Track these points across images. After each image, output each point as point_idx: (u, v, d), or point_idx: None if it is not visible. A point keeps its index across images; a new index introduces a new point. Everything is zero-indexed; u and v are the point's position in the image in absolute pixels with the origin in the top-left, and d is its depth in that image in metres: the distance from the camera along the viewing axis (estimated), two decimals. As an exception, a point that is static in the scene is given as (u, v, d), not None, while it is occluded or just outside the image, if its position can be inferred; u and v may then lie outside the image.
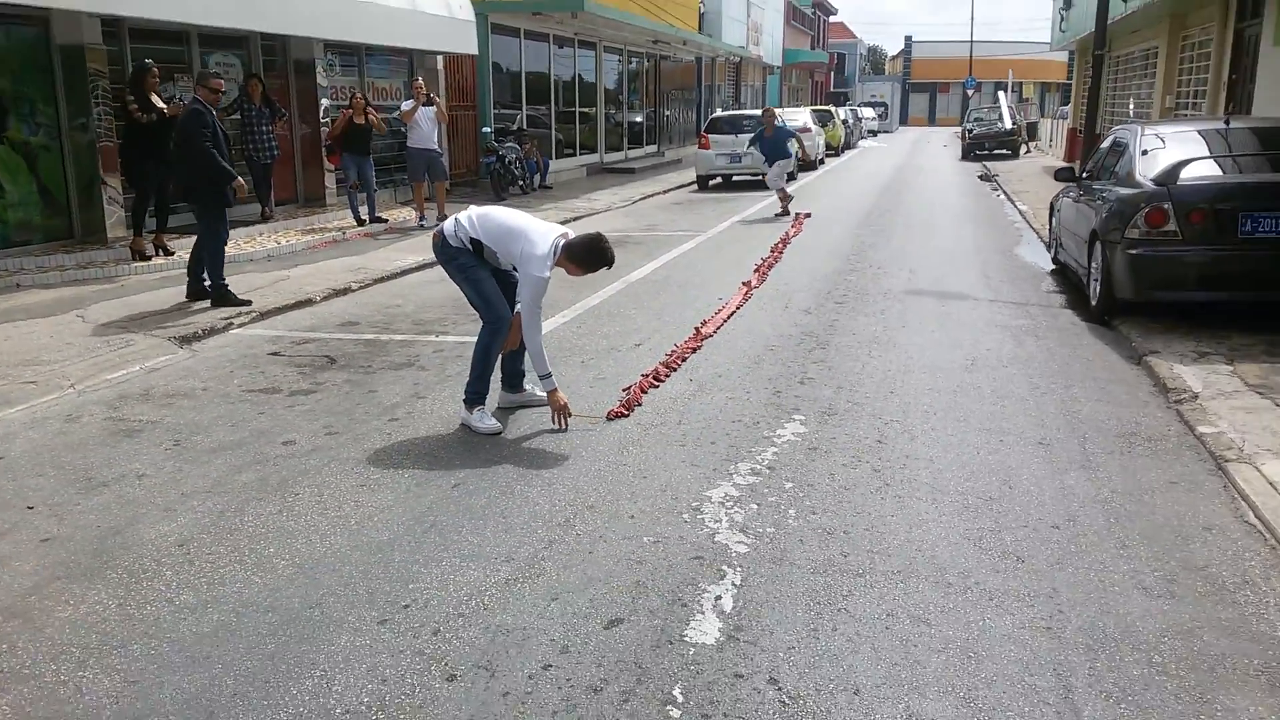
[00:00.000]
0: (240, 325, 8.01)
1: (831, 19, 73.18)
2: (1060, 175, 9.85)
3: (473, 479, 4.63)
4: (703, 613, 3.38)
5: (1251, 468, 4.66)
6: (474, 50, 17.27)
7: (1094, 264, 8.01)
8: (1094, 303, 7.98)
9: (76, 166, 10.57)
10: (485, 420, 5.31)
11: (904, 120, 76.64)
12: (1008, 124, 31.68)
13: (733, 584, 3.58)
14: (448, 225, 5.40)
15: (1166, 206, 7.11)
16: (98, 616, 3.42)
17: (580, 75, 24.29)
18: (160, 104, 10.05)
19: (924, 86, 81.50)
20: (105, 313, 8.16)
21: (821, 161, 28.63)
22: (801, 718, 2.80)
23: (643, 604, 3.44)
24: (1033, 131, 37.29)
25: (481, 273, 5.35)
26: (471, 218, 5.34)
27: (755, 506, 4.27)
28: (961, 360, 6.71)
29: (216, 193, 8.35)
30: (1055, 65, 56.62)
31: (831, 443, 5.08)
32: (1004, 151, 30.87)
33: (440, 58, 17.33)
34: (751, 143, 16.72)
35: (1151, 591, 3.54)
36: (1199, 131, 8.09)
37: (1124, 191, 7.66)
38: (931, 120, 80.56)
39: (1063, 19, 24.77)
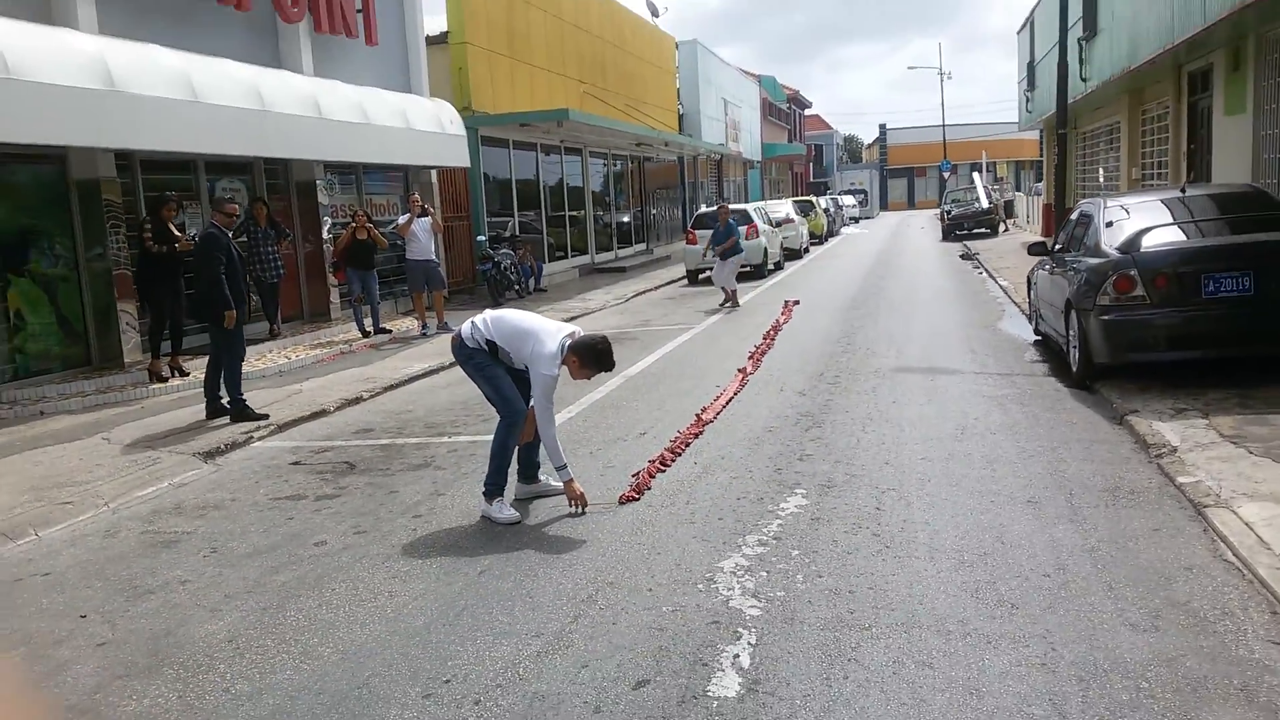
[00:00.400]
0: (260, 438, 8.34)
1: (806, 112, 75.40)
2: (1033, 250, 10.34)
3: (498, 564, 4.92)
4: (722, 670, 3.65)
5: (1229, 511, 4.96)
6: (466, 163, 18.00)
7: (1071, 332, 8.41)
8: (1074, 369, 8.35)
9: (93, 295, 11.03)
10: (505, 511, 5.61)
11: (884, 205, 78.34)
12: (984, 203, 32.62)
13: (749, 644, 3.85)
14: (465, 328, 5.80)
15: (1133, 273, 7.54)
16: (160, 709, 3.67)
17: (568, 180, 25.15)
18: (176, 233, 10.58)
19: (901, 171, 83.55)
20: (129, 434, 8.48)
21: (806, 250, 29.40)
22: (820, 756, 3.06)
23: (666, 665, 3.71)
24: (1010, 209, 38.31)
25: (497, 370, 5.72)
26: (486, 320, 5.74)
27: (765, 574, 4.55)
28: (951, 430, 7.04)
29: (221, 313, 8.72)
30: (1028, 143, 58.25)
31: (832, 512, 5.38)
32: (983, 230, 31.72)
33: (434, 171, 18.04)
34: (711, 240, 17.12)
35: (1138, 627, 3.81)
36: (1159, 201, 8.59)
37: (1093, 261, 8.11)
38: (911, 204, 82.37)
39: (1028, 99, 25.79)
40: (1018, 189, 56.31)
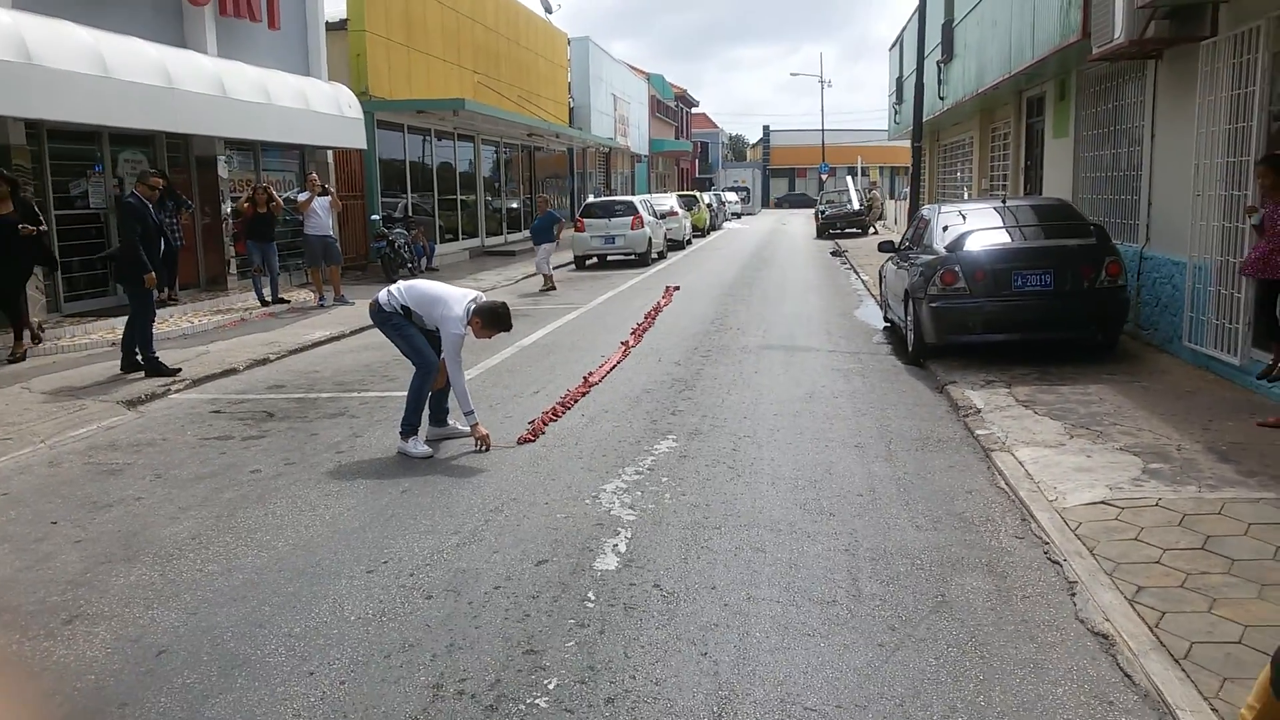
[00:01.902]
0: (177, 391, 8.97)
1: (694, 110, 77.14)
2: (882, 247, 11.72)
3: (416, 485, 5.84)
4: (605, 553, 4.68)
5: (1008, 453, 6.26)
6: (362, 145, 18.57)
7: (908, 317, 9.75)
8: (910, 348, 9.70)
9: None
10: (419, 447, 6.52)
11: (765, 203, 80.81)
12: (855, 205, 34.61)
13: (625, 537, 4.90)
14: (381, 296, 6.69)
15: (956, 268, 8.90)
16: (146, 583, 4.49)
17: (460, 165, 25.78)
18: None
19: (783, 172, 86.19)
20: (48, 384, 8.99)
21: (689, 242, 30.73)
22: (675, 602, 4.12)
23: (561, 551, 4.72)
24: (881, 211, 40.55)
25: (411, 330, 6.62)
26: (400, 289, 6.65)
27: (640, 493, 5.61)
28: (801, 394, 8.25)
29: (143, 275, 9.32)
30: (903, 150, 60.89)
31: (697, 452, 6.48)
32: (854, 230, 33.66)
33: (330, 151, 18.53)
34: (532, 230, 18.72)
35: (922, 528, 5.01)
36: (984, 209, 10.02)
37: (927, 258, 9.46)
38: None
39: (896, 112, 27.62)
40: (891, 193, 59.22)
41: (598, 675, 3.53)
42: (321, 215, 14.94)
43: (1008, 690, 3.39)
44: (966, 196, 21.38)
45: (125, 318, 9.68)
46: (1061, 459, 6.02)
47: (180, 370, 9.46)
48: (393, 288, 6.72)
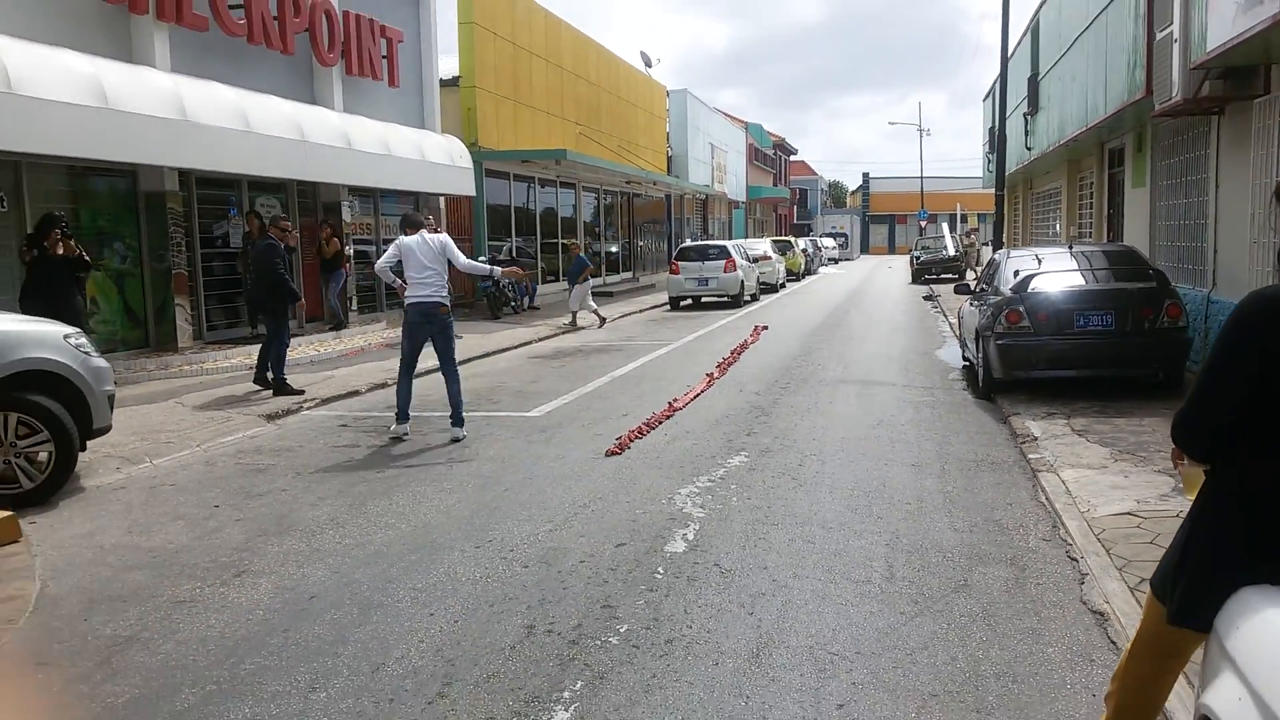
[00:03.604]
0: (309, 409, 10.10)
1: (793, 158, 78.04)
2: (959, 289, 12.28)
3: (517, 486, 6.71)
4: (675, 540, 5.46)
5: (1053, 474, 6.82)
6: (472, 192, 19.93)
7: (979, 354, 10.30)
8: (980, 383, 10.24)
9: (154, 289, 12.77)
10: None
11: (865, 249, 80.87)
12: (950, 251, 34.81)
13: (694, 529, 5.66)
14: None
15: (1021, 309, 9.46)
16: (296, 550, 5.44)
17: (562, 211, 27.08)
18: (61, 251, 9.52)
19: (883, 218, 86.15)
20: (197, 400, 10.22)
21: (783, 285, 31.43)
22: (731, 577, 4.87)
23: (637, 536, 5.52)
24: (979, 257, 40.54)
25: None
26: None
27: (710, 497, 6.37)
28: (870, 422, 8.89)
29: (283, 306, 10.57)
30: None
31: (765, 466, 7.21)
32: (950, 275, 33.81)
33: (443, 198, 19.91)
34: (568, 273, 20.03)
35: (959, 531, 5.64)
36: (1054, 254, 10.54)
37: (995, 299, 10.02)
38: (891, 248, 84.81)
39: (989, 161, 28.01)
40: (990, 239, 58.85)
41: (660, 625, 4.30)
42: (434, 256, 16.17)
43: (1005, 649, 4.03)
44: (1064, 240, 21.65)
45: (259, 344, 10.95)
46: (1101, 478, 6.56)
47: (304, 391, 10.61)
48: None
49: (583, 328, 18.58)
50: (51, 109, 9.98)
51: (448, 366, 8.69)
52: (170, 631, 4.35)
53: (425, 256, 8.53)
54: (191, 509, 6.38)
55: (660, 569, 5.00)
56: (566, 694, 3.67)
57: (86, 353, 6.95)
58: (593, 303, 19.24)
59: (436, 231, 16.39)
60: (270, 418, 9.49)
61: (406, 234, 8.76)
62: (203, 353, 12.92)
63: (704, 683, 3.74)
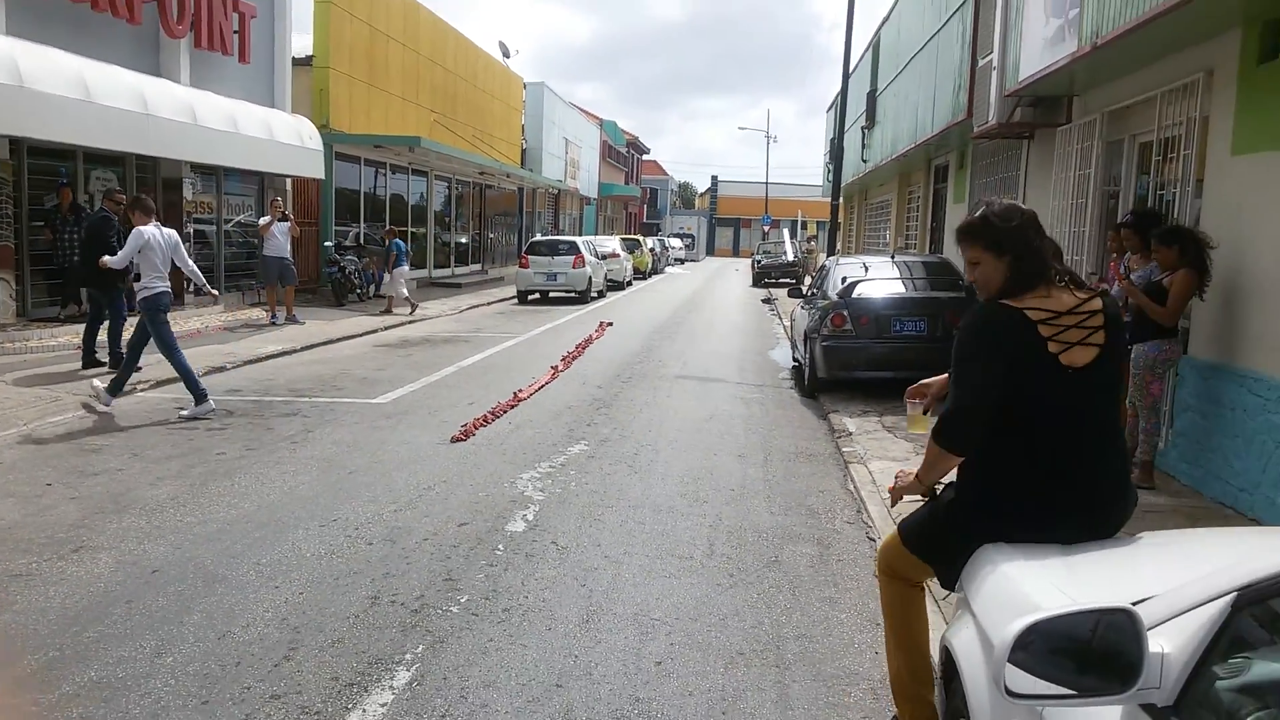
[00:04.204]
0: (142, 391, 9.88)
1: (645, 157, 79.09)
2: (792, 293, 13.05)
3: (362, 469, 6.88)
4: (515, 520, 5.78)
5: (862, 465, 7.48)
6: (320, 174, 19.59)
7: (806, 355, 11.02)
8: (806, 382, 10.96)
9: (-28, 261, 12.14)
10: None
11: (711, 250, 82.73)
12: (790, 256, 36.26)
13: (534, 510, 6.00)
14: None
15: (845, 313, 10.20)
16: (136, 527, 5.48)
17: (413, 198, 26.83)
18: None
19: (729, 221, 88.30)
20: (21, 379, 9.84)
21: (629, 283, 32.04)
22: (566, 554, 5.24)
23: (479, 516, 5.81)
24: (816, 263, 42.35)
25: None
26: None
27: (550, 481, 6.72)
28: (703, 415, 9.43)
29: (113, 281, 10.29)
30: (843, 207, 63.45)
31: (603, 454, 7.61)
32: (788, 280, 35.19)
33: (290, 179, 19.50)
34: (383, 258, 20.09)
35: (775, 514, 6.17)
36: (877, 263, 11.38)
37: (822, 303, 10.75)
38: (735, 251, 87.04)
39: (829, 171, 29.39)
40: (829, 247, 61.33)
41: (499, 595, 4.62)
42: (280, 238, 15.92)
43: (806, 614, 4.54)
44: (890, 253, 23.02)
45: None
46: (904, 468, 7.24)
47: (141, 368, 10.37)
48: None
49: (428, 317, 18.58)
50: None
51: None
52: (6, 604, 4.39)
53: (168, 251, 9.14)
54: (21, 487, 6.28)
55: (500, 546, 5.31)
56: (409, 655, 3.95)
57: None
58: (404, 289, 19.12)
59: (287, 218, 16.33)
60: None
61: (138, 219, 9.07)
62: (26, 330, 12.35)
63: (537, 645, 4.09)
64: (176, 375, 10.50)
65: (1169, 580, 1.91)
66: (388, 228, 21.16)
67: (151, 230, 9.00)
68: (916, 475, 3.13)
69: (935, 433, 2.95)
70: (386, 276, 19.12)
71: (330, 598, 4.53)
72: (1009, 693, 1.73)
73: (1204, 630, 1.65)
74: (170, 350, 8.89)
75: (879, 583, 3.32)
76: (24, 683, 3.64)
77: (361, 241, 22.40)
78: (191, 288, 16.32)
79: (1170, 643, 1.67)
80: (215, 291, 10.14)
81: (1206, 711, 1.59)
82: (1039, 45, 8.45)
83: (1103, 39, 6.67)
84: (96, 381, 9.27)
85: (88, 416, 8.58)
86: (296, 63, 19.98)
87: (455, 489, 6.45)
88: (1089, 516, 2.82)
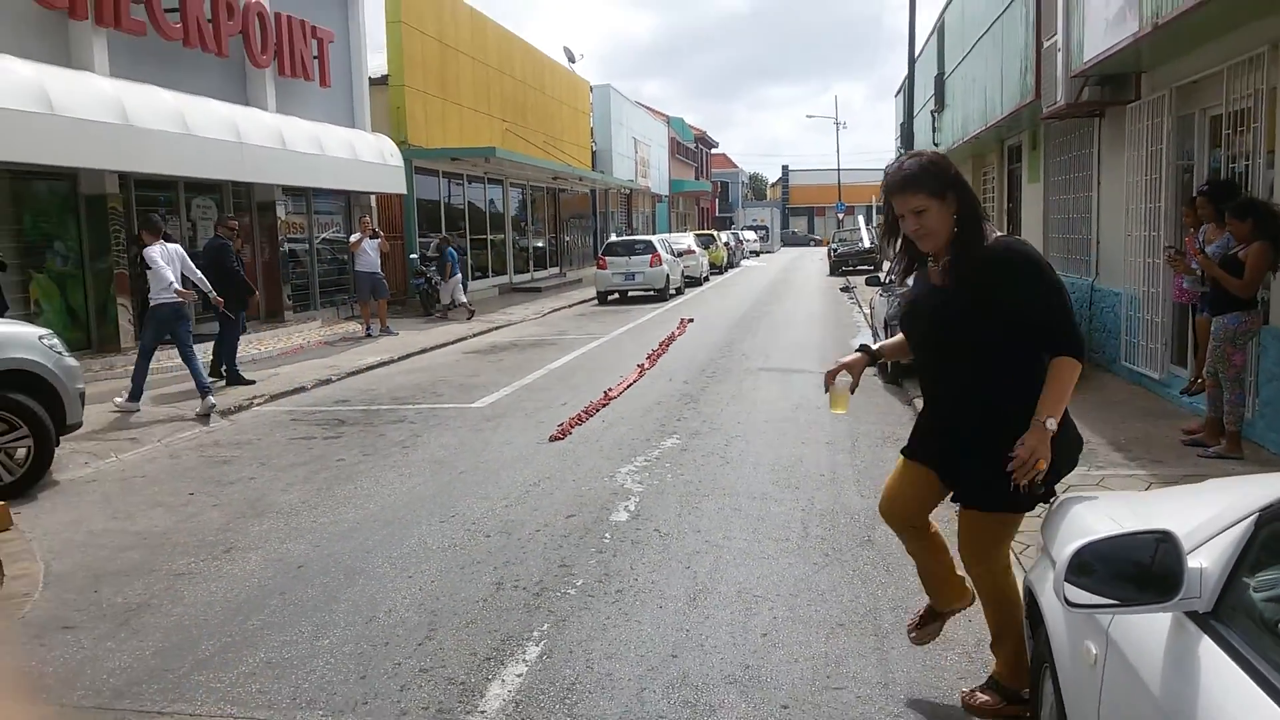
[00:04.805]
0: (258, 405, 10.55)
1: (714, 151, 79.19)
2: (869, 281, 13.21)
3: (471, 469, 7.35)
4: (618, 511, 6.17)
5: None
6: (403, 190, 20.34)
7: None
8: (888, 369, 11.14)
9: (95, 290, 13.02)
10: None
11: (785, 241, 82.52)
12: (866, 243, 36.11)
13: (635, 501, 6.38)
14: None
15: (924, 298, 10.35)
16: (275, 530, 6.01)
17: (489, 206, 27.54)
18: None
19: (802, 210, 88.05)
20: (150, 398, 10.58)
21: (706, 279, 32.34)
22: (669, 540, 5.60)
23: (584, 508, 6.21)
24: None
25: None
26: None
27: (647, 474, 7.09)
28: (789, 406, 9.71)
29: (237, 301, 11.04)
30: (915, 190, 62.55)
31: (695, 447, 7.96)
32: (866, 267, 35.08)
33: (374, 196, 20.27)
34: (436, 266, 20.55)
35: (866, 497, 6.43)
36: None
37: (901, 290, 10.91)
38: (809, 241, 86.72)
39: (901, 154, 29.32)
40: (905, 232, 60.56)
41: (611, 579, 5.00)
42: (371, 254, 16.64)
43: (900, 587, 4.83)
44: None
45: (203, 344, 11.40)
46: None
47: (255, 382, 11.09)
48: None
49: (512, 322, 19.14)
50: (-3, 115, 10.25)
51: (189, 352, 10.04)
52: (176, 598, 4.92)
53: (178, 264, 9.95)
54: (167, 497, 6.88)
55: (607, 535, 5.70)
56: (535, 633, 4.35)
57: (59, 352, 7.37)
58: (463, 296, 19.77)
59: (377, 234, 17.06)
60: (222, 413, 9.93)
61: (147, 240, 9.90)
62: (144, 352, 13.17)
63: (651, 621, 4.46)
64: (291, 389, 11.23)
65: (1217, 511, 2.20)
66: (442, 235, 21.76)
67: (160, 248, 9.77)
68: (1049, 416, 3.04)
69: (1078, 353, 3.07)
70: (447, 284, 19.83)
71: (459, 585, 4.96)
72: (1068, 602, 2.03)
73: (1234, 547, 1.95)
74: (187, 351, 10.01)
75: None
76: (206, 664, 4.13)
77: (441, 252, 23.11)
78: (290, 303, 17.17)
79: (1208, 558, 1.98)
80: (221, 299, 10.75)
81: (1241, 615, 1.88)
82: (1101, 26, 8.52)
83: (1163, 19, 6.78)
84: (118, 399, 10.01)
85: (211, 432, 9.23)
86: (373, 82, 20.74)
87: (559, 484, 6.87)
88: None
